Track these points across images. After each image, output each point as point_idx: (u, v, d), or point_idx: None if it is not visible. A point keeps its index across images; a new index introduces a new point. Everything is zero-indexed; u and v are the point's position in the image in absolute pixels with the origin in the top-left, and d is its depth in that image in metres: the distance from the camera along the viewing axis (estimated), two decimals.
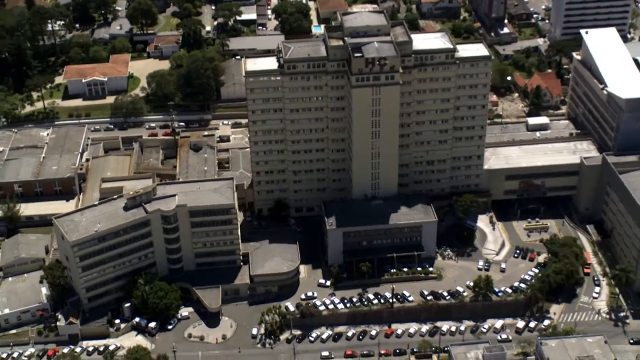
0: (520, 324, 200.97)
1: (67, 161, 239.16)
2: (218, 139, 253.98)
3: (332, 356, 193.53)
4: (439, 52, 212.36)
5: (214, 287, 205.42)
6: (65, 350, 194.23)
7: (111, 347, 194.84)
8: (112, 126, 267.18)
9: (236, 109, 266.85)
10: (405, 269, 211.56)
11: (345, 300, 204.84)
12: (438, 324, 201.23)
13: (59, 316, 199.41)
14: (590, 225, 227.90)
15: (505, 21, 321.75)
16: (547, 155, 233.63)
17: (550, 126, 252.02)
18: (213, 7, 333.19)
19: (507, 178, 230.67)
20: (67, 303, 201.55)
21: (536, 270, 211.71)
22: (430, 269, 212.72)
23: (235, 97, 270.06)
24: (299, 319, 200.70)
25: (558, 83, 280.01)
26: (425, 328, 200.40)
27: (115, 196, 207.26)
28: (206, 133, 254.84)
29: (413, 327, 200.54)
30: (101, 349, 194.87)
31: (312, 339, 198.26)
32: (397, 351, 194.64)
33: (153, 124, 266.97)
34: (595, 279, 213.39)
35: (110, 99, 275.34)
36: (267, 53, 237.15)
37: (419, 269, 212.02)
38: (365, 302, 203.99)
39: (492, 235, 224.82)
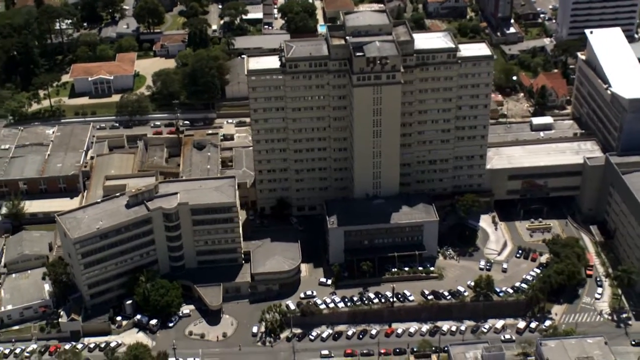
0: (521, 324, 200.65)
1: (71, 159, 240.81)
2: (222, 137, 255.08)
3: (332, 355, 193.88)
4: (441, 51, 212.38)
5: (215, 285, 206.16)
6: (67, 346, 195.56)
7: (112, 344, 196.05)
8: (117, 124, 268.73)
9: (241, 107, 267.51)
10: (406, 269, 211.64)
11: (346, 299, 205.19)
12: (439, 323, 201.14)
13: (61, 313, 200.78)
14: (594, 226, 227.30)
15: (512, 21, 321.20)
16: (550, 155, 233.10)
17: (554, 126, 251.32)
18: (220, 6, 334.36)
19: (510, 178, 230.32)
20: (69, 300, 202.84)
21: (538, 271, 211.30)
22: (432, 268, 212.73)
23: (240, 95, 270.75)
24: (300, 317, 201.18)
25: (564, 83, 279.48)
26: (425, 328, 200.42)
27: (117, 194, 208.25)
28: (210, 132, 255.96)
29: (413, 327, 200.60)
30: (102, 345, 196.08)
31: (312, 337, 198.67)
32: (397, 350, 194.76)
33: (158, 123, 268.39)
34: (598, 279, 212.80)
35: (116, 97, 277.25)
36: (271, 52, 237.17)
37: (420, 268, 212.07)
38: (366, 301, 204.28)
39: (494, 235, 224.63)
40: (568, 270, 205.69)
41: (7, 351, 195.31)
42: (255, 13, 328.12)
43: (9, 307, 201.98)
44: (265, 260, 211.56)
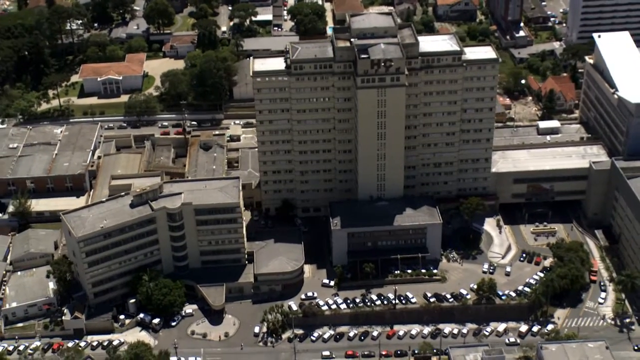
0: (523, 327, 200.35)
1: (78, 158, 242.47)
2: (228, 138, 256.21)
3: (333, 356, 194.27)
4: (446, 54, 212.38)
5: (218, 285, 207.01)
6: (70, 344, 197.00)
7: (115, 342, 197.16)
8: (125, 124, 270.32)
9: (248, 109, 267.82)
10: (409, 271, 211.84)
11: (348, 301, 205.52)
12: (440, 326, 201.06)
13: (65, 311, 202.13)
14: (599, 230, 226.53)
15: (522, 24, 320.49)
16: (555, 159, 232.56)
17: (561, 130, 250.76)
18: (229, 8, 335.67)
19: (515, 181, 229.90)
20: (73, 298, 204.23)
21: (541, 275, 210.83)
22: (435, 271, 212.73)
23: (248, 97, 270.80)
24: (302, 318, 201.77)
25: (572, 87, 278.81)
26: (427, 330, 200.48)
27: (122, 193, 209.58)
28: (217, 132, 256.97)
29: (415, 329, 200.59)
30: (105, 343, 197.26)
31: (313, 338, 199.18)
32: (398, 352, 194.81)
33: (166, 123, 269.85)
34: (602, 284, 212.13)
35: (124, 98, 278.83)
36: (279, 53, 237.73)
37: (423, 270, 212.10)
38: (368, 303, 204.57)
39: (499, 239, 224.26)
40: (571, 275, 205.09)
41: (10, 348, 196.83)
42: (265, 15, 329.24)
43: (14, 304, 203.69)
44: (268, 261, 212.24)
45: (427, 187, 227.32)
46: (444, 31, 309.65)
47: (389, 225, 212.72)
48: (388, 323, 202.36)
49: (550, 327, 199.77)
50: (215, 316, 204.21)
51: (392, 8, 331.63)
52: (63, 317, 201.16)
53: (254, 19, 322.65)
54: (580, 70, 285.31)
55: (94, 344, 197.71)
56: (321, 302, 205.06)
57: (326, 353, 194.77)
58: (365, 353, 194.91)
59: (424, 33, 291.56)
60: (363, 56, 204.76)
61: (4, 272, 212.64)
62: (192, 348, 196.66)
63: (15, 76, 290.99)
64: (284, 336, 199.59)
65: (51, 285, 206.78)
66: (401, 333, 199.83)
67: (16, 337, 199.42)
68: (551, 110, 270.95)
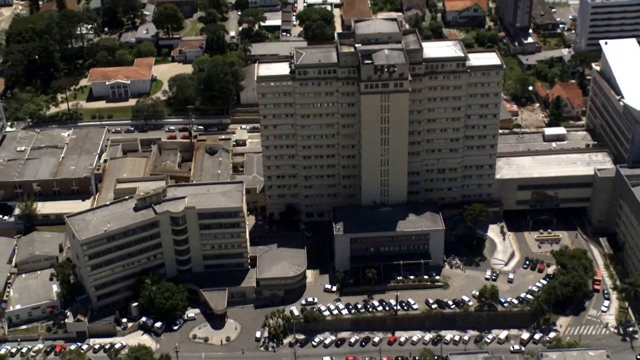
0: (525, 335, 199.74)
1: (84, 162, 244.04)
2: (234, 143, 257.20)
3: None
4: (450, 60, 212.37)
5: (220, 289, 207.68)
6: (73, 347, 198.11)
7: (117, 346, 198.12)
8: (132, 128, 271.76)
9: (255, 113, 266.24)
10: (411, 277, 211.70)
11: (350, 306, 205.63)
12: (442, 332, 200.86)
13: (68, 313, 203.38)
14: (603, 238, 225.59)
15: (530, 31, 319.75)
16: (560, 166, 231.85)
17: (567, 137, 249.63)
18: (239, 13, 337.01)
19: (520, 188, 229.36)
20: (76, 301, 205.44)
21: (544, 282, 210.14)
22: (437, 277, 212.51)
23: (255, 101, 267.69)
24: (303, 323, 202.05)
25: (580, 94, 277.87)
26: (428, 336, 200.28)
27: (126, 197, 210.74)
28: (223, 137, 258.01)
29: (416, 335, 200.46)
30: (107, 346, 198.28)
31: (314, 343, 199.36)
32: (399, 358, 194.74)
33: (172, 127, 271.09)
34: (605, 292, 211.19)
35: (132, 102, 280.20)
36: (286, 59, 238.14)
37: (425, 277, 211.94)
38: (370, 309, 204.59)
39: (502, 246, 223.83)
40: (574, 282, 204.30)
41: (14, 350, 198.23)
42: (273, 20, 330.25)
43: (18, 306, 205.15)
44: (271, 265, 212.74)
45: (431, 193, 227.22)
46: (452, 37, 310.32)
47: (391, 231, 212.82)
48: (389, 329, 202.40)
49: (552, 335, 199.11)
50: (217, 320, 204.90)
51: (400, 14, 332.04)
52: (66, 320, 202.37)
53: (262, 24, 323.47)
54: (588, 77, 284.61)
55: (96, 346, 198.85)
56: (323, 308, 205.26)
57: (327, 358, 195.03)
58: (367, 359, 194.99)
59: (433, 39, 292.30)
60: (367, 62, 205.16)
61: (9, 274, 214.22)
62: (193, 352, 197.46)
63: (25, 80, 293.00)
64: (285, 341, 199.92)
65: (55, 288, 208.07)
66: (402, 339, 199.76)
67: (18, 339, 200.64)
68: (558, 117, 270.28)
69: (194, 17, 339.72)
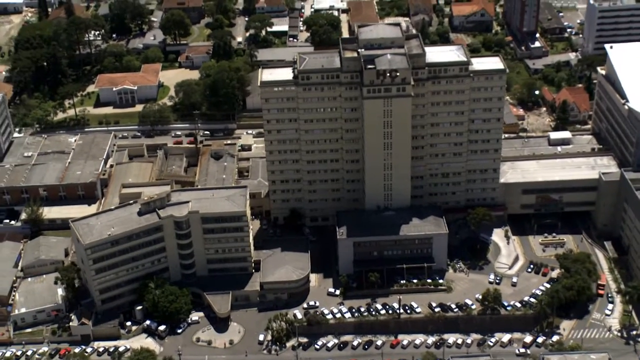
0: (528, 338, 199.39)
1: (90, 167, 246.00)
2: (240, 148, 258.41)
3: None
4: (453, 64, 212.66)
5: (224, 293, 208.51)
6: (77, 350, 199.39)
7: (121, 349, 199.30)
8: (139, 134, 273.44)
9: (261, 118, 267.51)
10: (414, 281, 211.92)
11: (353, 310, 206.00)
12: (445, 336, 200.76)
13: (72, 317, 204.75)
14: (608, 242, 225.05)
15: (537, 35, 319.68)
16: (565, 170, 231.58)
17: (572, 141, 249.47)
18: (246, 19, 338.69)
19: (524, 192, 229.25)
20: (81, 304, 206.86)
21: (548, 286, 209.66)
22: (440, 281, 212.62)
23: (260, 107, 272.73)
24: (306, 326, 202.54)
25: (586, 98, 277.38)
26: (431, 340, 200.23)
27: (131, 201, 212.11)
28: (228, 142, 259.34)
29: (419, 339, 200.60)
30: (111, 350, 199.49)
31: (317, 347, 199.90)
32: None
33: (179, 132, 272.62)
34: (609, 296, 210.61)
35: (139, 107, 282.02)
36: (292, 64, 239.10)
37: (428, 280, 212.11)
38: (373, 312, 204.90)
39: (506, 249, 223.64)
40: (578, 286, 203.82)
41: (19, 353, 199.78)
42: (280, 25, 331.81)
43: (23, 310, 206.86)
44: (274, 269, 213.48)
45: (435, 197, 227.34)
46: (459, 42, 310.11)
47: (394, 235, 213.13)
48: (392, 332, 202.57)
49: (555, 338, 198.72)
50: (220, 324, 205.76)
51: (407, 19, 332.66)
52: (70, 323, 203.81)
53: (269, 29, 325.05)
54: (595, 81, 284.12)
55: (101, 350, 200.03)
56: (326, 311, 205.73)
57: None
58: None
59: (439, 44, 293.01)
60: (369, 66, 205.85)
61: (15, 278, 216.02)
62: (196, 355, 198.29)
63: (34, 86, 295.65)
64: (288, 344, 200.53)
65: (60, 291, 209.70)
66: (405, 342, 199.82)
67: (23, 342, 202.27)
68: (564, 121, 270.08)
69: (201, 23, 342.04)
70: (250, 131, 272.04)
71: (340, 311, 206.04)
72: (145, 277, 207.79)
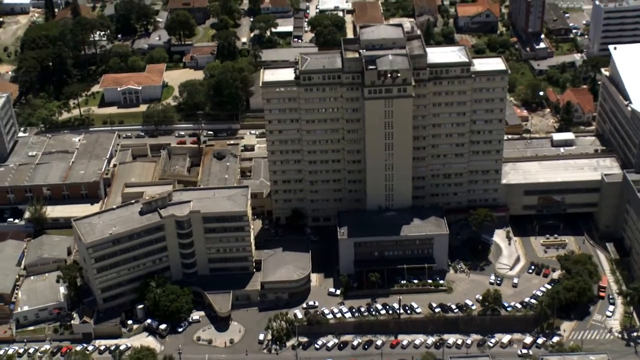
0: (528, 339, 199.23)
1: (94, 166, 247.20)
2: (243, 148, 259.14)
3: None
4: (454, 65, 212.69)
5: (225, 292, 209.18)
6: (79, 348, 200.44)
7: (122, 347, 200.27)
8: (143, 133, 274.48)
9: (264, 119, 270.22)
10: (415, 281, 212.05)
11: (353, 310, 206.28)
12: (445, 336, 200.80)
13: (74, 315, 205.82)
14: (610, 243, 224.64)
15: (542, 36, 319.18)
16: (567, 171, 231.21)
17: (575, 142, 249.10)
18: (251, 19, 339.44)
19: (526, 193, 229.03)
20: (83, 303, 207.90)
21: (549, 287, 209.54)
22: (441, 281, 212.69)
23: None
24: (306, 326, 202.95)
25: (591, 99, 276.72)
26: (431, 340, 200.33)
27: (133, 201, 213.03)
28: (231, 142, 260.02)
29: (419, 339, 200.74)
30: (112, 348, 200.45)
31: (317, 346, 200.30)
32: None
33: (182, 132, 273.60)
34: (611, 297, 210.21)
35: (143, 107, 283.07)
36: (295, 64, 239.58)
37: (429, 281, 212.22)
38: (373, 312, 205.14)
39: (508, 250, 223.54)
40: (578, 287, 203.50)
41: (21, 350, 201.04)
42: (285, 26, 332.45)
43: (25, 308, 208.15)
44: (275, 269, 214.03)
45: (436, 198, 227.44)
46: (464, 43, 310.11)
47: (395, 236, 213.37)
48: (392, 332, 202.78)
49: (555, 339, 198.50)
50: (221, 323, 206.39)
51: (412, 20, 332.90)
52: (72, 322, 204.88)
53: (274, 30, 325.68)
54: (599, 82, 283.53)
55: (102, 348, 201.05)
56: (326, 311, 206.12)
57: None
58: None
59: (444, 44, 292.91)
60: (370, 67, 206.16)
61: (18, 276, 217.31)
62: (197, 354, 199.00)
63: (39, 86, 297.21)
64: (288, 344, 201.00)
65: (62, 290, 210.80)
66: (405, 343, 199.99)
67: (25, 340, 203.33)
68: (568, 123, 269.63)
69: (206, 23, 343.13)
70: (253, 131, 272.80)
71: (340, 311, 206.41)
72: (146, 276, 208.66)
